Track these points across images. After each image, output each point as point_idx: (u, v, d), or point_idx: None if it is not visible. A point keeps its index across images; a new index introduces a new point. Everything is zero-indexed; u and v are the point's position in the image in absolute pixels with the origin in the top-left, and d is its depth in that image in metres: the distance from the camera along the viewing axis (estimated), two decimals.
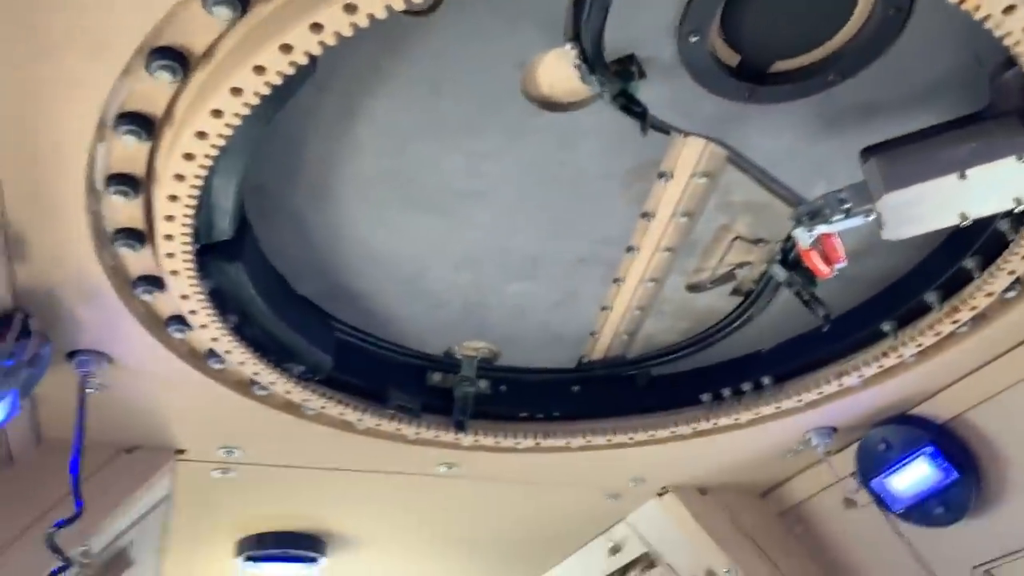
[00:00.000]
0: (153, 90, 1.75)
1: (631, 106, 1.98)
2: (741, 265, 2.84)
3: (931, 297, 2.71)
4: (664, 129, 2.23)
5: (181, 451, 3.17)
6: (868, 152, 2.10)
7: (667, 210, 2.57)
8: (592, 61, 1.92)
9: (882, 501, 3.39)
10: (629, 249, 2.74)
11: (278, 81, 1.68)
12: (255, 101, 1.71)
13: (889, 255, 2.78)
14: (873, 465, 3.37)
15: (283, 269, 2.67)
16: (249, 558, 4.14)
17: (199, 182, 1.88)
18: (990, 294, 2.54)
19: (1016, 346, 2.92)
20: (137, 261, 2.19)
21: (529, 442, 3.29)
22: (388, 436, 3.15)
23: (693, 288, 2.95)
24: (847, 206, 2.15)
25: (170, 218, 1.98)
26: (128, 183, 1.93)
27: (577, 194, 2.50)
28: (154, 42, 1.65)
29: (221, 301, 2.39)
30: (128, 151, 1.86)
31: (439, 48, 2.01)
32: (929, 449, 3.20)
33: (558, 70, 2.07)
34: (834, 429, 3.40)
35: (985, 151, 2.02)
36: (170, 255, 2.09)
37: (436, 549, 4.55)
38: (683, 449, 3.40)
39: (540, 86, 2.14)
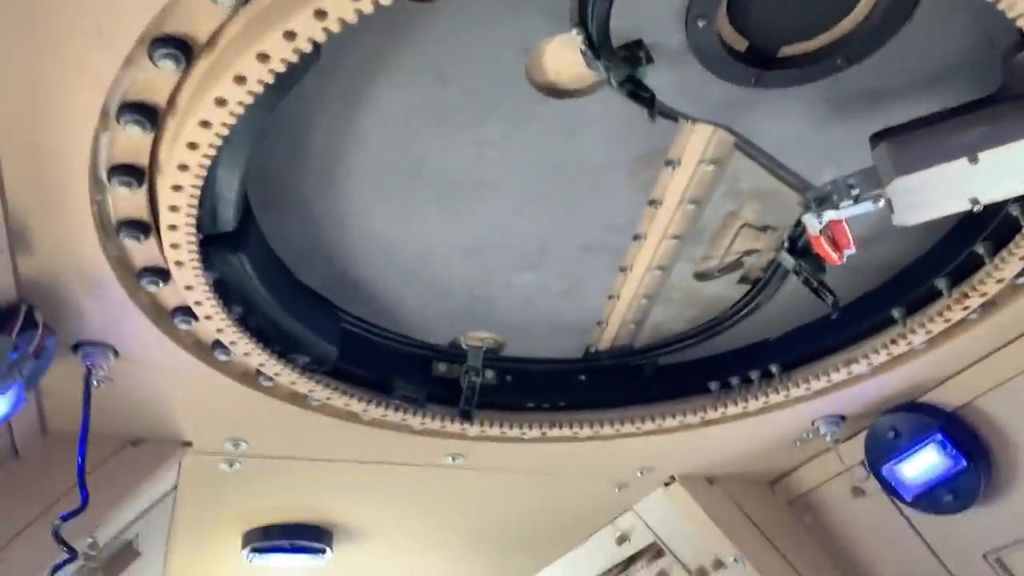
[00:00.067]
0: (156, 79, 1.73)
1: (638, 92, 1.96)
2: (749, 253, 2.82)
3: (941, 283, 2.69)
4: (671, 116, 2.20)
5: (187, 443, 3.16)
6: (878, 137, 2.07)
7: (674, 198, 2.55)
8: (598, 47, 1.91)
9: (891, 489, 3.37)
10: (636, 237, 2.72)
11: (282, 69, 1.66)
12: (259, 89, 1.69)
13: (898, 241, 2.76)
14: (882, 453, 3.35)
15: (288, 259, 2.66)
16: (255, 550, 4.13)
17: (203, 172, 1.86)
18: (1001, 280, 2.52)
19: None
20: (142, 252, 2.17)
21: (535, 432, 3.28)
22: (394, 427, 3.14)
23: (701, 276, 2.93)
24: (856, 192, 2.13)
25: (174, 208, 1.96)
26: (132, 174, 1.92)
27: (583, 182, 2.48)
28: (157, 31, 1.64)
29: (226, 292, 2.38)
30: (132, 141, 1.85)
31: (443, 35, 2.00)
32: (938, 437, 3.19)
33: (564, 56, 2.06)
34: (842, 417, 3.38)
35: (997, 135, 2.00)
36: (174, 246, 2.07)
37: (443, 540, 4.54)
38: (691, 438, 3.39)
39: (546, 73, 2.12)
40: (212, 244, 2.23)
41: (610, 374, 3.35)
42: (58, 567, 2.60)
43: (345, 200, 2.49)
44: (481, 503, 4.04)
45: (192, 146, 1.80)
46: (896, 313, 2.84)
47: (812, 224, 2.22)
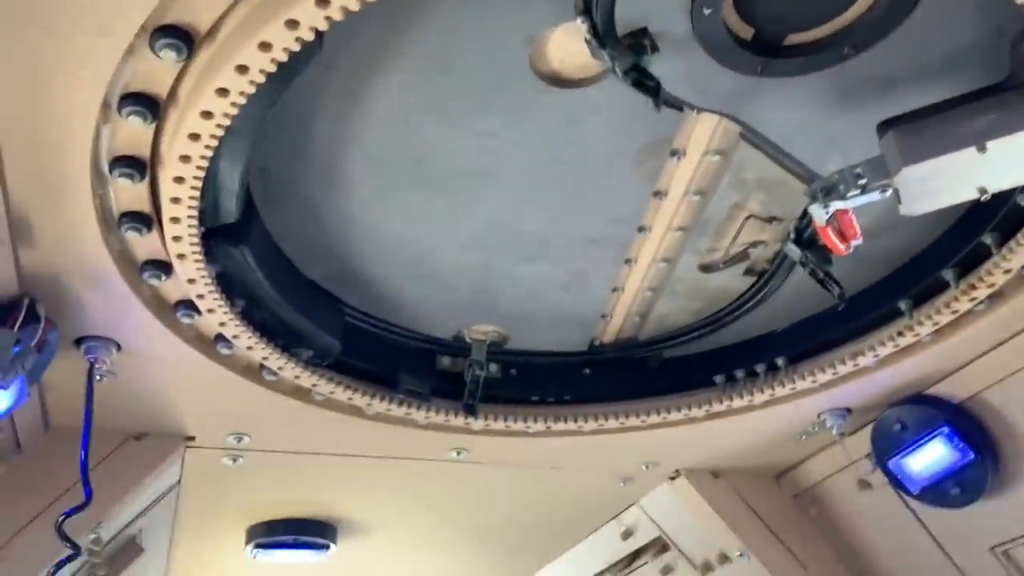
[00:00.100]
0: (157, 70, 1.72)
1: (643, 80, 1.94)
2: (754, 244, 2.80)
3: (948, 274, 2.67)
4: (677, 105, 2.18)
5: (190, 438, 3.16)
6: (885, 126, 2.05)
7: (679, 188, 2.53)
8: (603, 35, 1.88)
9: (898, 482, 3.35)
10: (641, 229, 2.70)
11: (284, 58, 1.65)
12: (261, 79, 1.68)
13: (905, 232, 2.74)
14: (888, 446, 3.33)
15: (290, 252, 2.65)
16: (259, 545, 4.12)
17: (204, 163, 1.85)
18: (1008, 271, 2.50)
19: None
20: (144, 245, 2.16)
21: (540, 426, 3.27)
22: (398, 421, 3.13)
23: (706, 268, 2.91)
24: (863, 181, 2.10)
25: (176, 200, 1.95)
26: (134, 165, 1.91)
27: (588, 173, 2.46)
28: (158, 20, 1.63)
29: (228, 285, 2.38)
30: (133, 133, 1.84)
31: (447, 24, 1.98)
32: (945, 429, 3.16)
33: (568, 45, 2.04)
34: (848, 410, 3.36)
35: (1005, 123, 1.97)
36: (176, 238, 2.06)
37: (447, 534, 4.53)
38: (696, 432, 3.38)
39: (550, 62, 2.10)
40: (214, 237, 2.23)
41: (614, 367, 3.34)
42: (61, 563, 2.58)
43: (347, 193, 2.48)
44: (485, 497, 4.03)
45: (194, 137, 1.79)
46: (903, 305, 2.82)
47: (819, 214, 2.19)
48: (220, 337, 2.53)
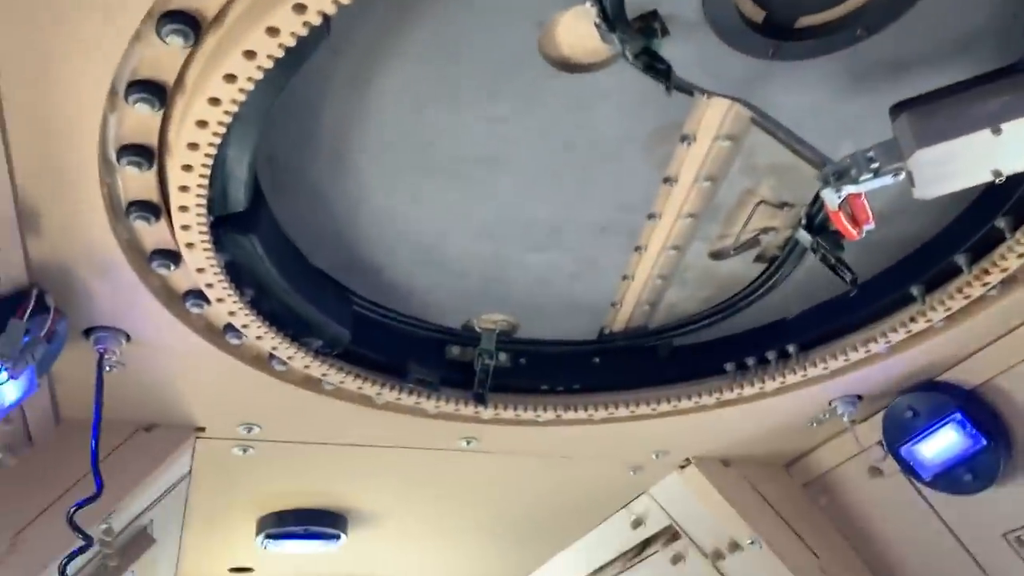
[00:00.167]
0: (164, 56, 1.71)
1: (654, 64, 1.92)
2: (765, 230, 2.78)
3: (960, 259, 2.65)
4: (687, 89, 2.16)
5: (200, 429, 3.16)
6: (898, 108, 2.03)
7: (690, 175, 2.51)
8: (613, 19, 1.86)
9: (909, 469, 3.34)
10: (651, 216, 2.68)
11: (292, 43, 1.63)
12: (268, 65, 1.67)
13: (917, 217, 2.72)
14: (900, 433, 3.31)
15: (299, 241, 2.63)
16: (270, 536, 4.13)
17: (213, 151, 1.84)
18: (1022, 255, 2.48)
19: None
20: (152, 234, 2.16)
21: (550, 415, 3.26)
22: (408, 411, 3.12)
23: (716, 255, 2.89)
24: (876, 165, 2.08)
25: (184, 189, 1.94)
26: (141, 154, 1.90)
27: (597, 159, 2.44)
28: (165, 6, 1.61)
29: (237, 275, 2.37)
30: (140, 120, 1.83)
31: (455, 9, 1.96)
32: (957, 416, 3.15)
33: (577, 29, 2.02)
34: (859, 397, 3.35)
35: (1020, 105, 1.95)
36: (185, 227, 2.05)
37: (457, 524, 4.54)
38: (706, 420, 3.36)
39: (559, 46, 2.08)
40: (223, 226, 2.21)
41: (625, 356, 3.33)
42: (74, 554, 2.59)
43: (355, 181, 2.46)
44: (495, 487, 4.03)
45: (202, 124, 1.77)
46: (915, 290, 2.80)
47: (831, 199, 2.17)
48: (229, 327, 2.53)
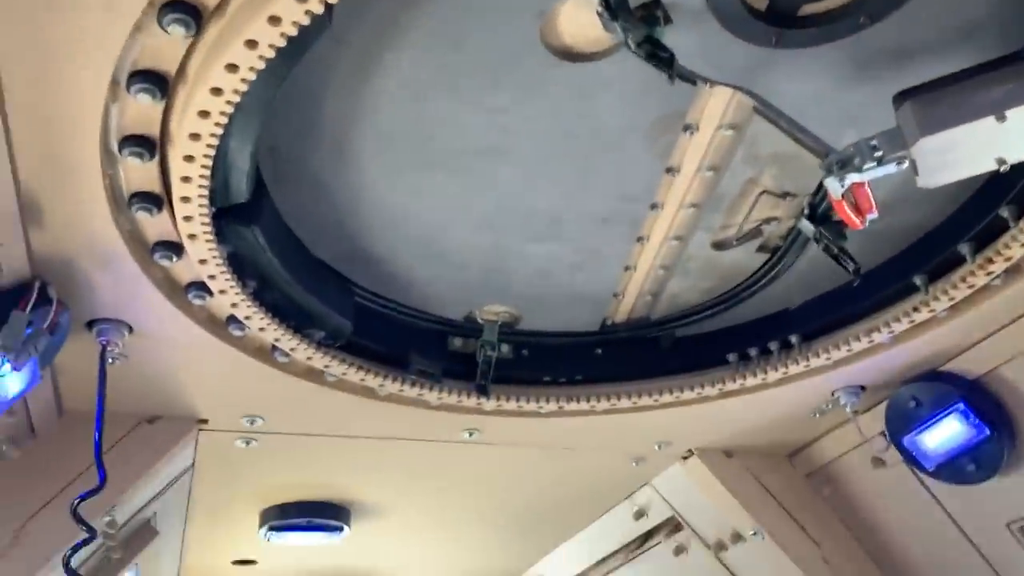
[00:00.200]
0: (166, 46, 1.70)
1: (657, 53, 1.91)
2: (768, 220, 2.78)
3: (964, 249, 2.64)
4: (690, 78, 2.15)
5: (203, 421, 3.16)
6: (902, 96, 2.02)
7: (692, 164, 2.50)
8: (615, 7, 1.85)
9: (912, 459, 3.34)
10: (653, 206, 2.68)
11: (293, 32, 1.63)
12: (270, 54, 1.66)
13: (920, 206, 2.72)
14: (903, 423, 3.31)
15: (301, 233, 2.63)
16: (273, 528, 4.14)
17: (214, 141, 1.84)
18: None
19: None
20: (154, 226, 2.15)
21: (552, 406, 3.26)
22: (410, 402, 3.12)
23: (719, 246, 2.89)
24: (879, 153, 2.07)
25: (186, 179, 1.94)
26: (143, 144, 1.89)
27: (599, 149, 2.44)
28: None
29: (240, 266, 2.36)
30: (142, 110, 1.82)
31: None
32: (960, 406, 3.14)
33: (580, 18, 2.01)
34: (862, 387, 3.34)
35: None
36: (187, 218, 2.05)
37: (460, 516, 4.54)
38: (709, 411, 3.36)
39: (561, 36, 2.07)
40: (225, 217, 2.21)
41: (627, 347, 3.32)
42: (77, 546, 2.59)
43: (357, 172, 2.46)
44: (498, 478, 4.03)
45: (204, 114, 1.77)
46: (918, 280, 2.79)
47: (834, 188, 2.16)
48: (232, 319, 2.53)
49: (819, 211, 2.59)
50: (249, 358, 2.71)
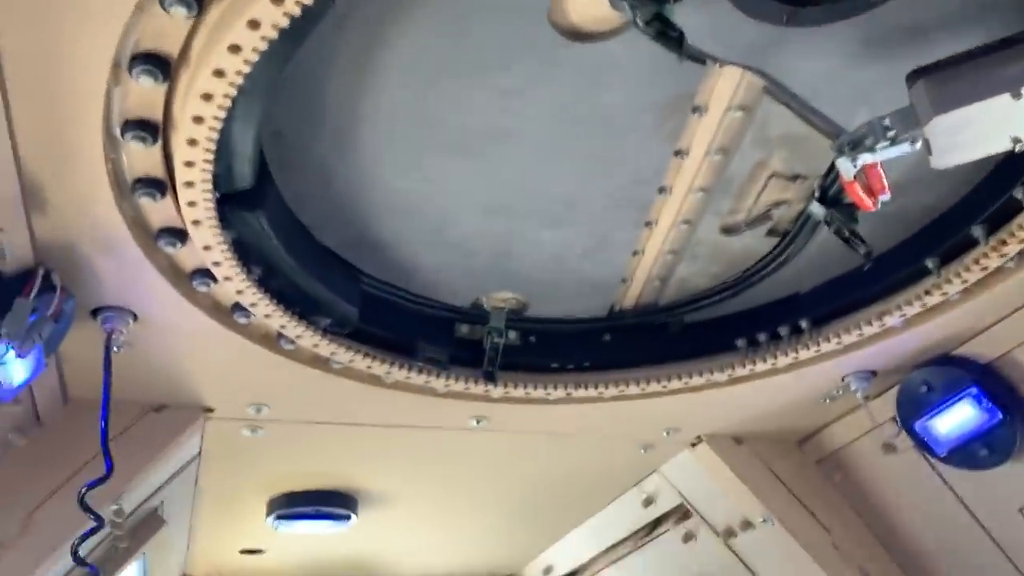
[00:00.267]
0: (168, 27, 1.68)
1: (666, 31, 1.87)
2: (778, 204, 2.75)
3: (977, 231, 2.61)
4: (699, 58, 2.12)
5: (209, 409, 3.14)
6: (915, 75, 1.98)
7: (701, 147, 2.47)
8: None
9: (924, 445, 3.32)
10: (661, 190, 2.65)
11: (297, 12, 1.60)
12: (273, 35, 1.64)
13: (932, 187, 2.68)
14: (914, 408, 3.29)
15: (306, 219, 2.61)
16: (280, 517, 4.13)
17: (218, 124, 1.81)
18: None
19: None
20: (158, 212, 2.13)
21: (560, 393, 3.24)
22: (417, 389, 3.10)
23: (728, 230, 2.86)
24: (892, 133, 2.04)
25: (189, 164, 1.91)
26: (146, 128, 1.87)
27: (607, 132, 2.41)
28: None
29: (244, 253, 2.34)
30: (144, 93, 1.80)
31: None
32: (973, 390, 3.12)
33: None
34: (873, 373, 3.32)
35: None
36: (191, 203, 2.03)
37: (468, 503, 4.53)
38: (718, 397, 3.34)
39: (568, 15, 2.04)
40: (229, 203, 2.19)
41: (635, 333, 3.30)
42: (86, 535, 2.59)
43: (363, 157, 2.43)
44: (505, 466, 4.02)
45: (207, 97, 1.74)
46: (930, 263, 2.76)
47: (846, 168, 2.13)
48: (237, 306, 2.51)
49: (830, 194, 2.58)
50: (255, 345, 2.69)
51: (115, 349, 2.49)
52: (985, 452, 3.19)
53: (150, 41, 1.70)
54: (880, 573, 3.81)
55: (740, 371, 3.19)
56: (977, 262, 2.62)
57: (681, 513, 4.36)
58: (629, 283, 3.10)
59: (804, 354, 3.09)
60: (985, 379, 3.13)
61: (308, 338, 2.67)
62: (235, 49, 1.65)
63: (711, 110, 2.35)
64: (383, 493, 4.22)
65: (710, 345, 3.24)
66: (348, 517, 4.18)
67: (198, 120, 1.80)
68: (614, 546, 4.88)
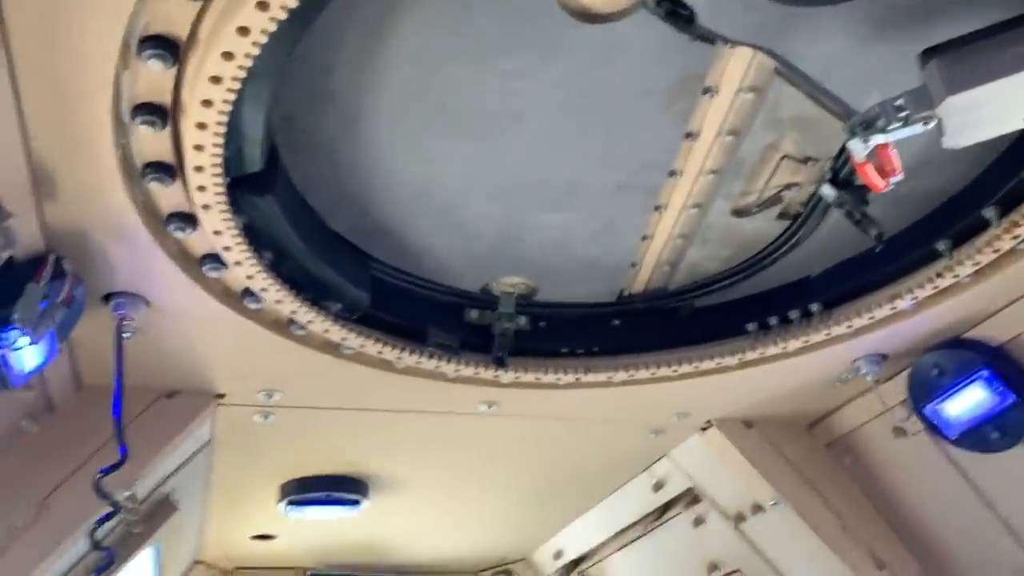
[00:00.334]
0: (176, 10, 1.67)
1: (676, 10, 1.87)
2: (788, 186, 2.73)
3: (989, 212, 2.59)
4: (709, 38, 2.11)
5: (221, 395, 3.15)
6: (927, 54, 1.96)
7: (712, 129, 2.46)
8: None
9: (935, 428, 3.31)
10: (671, 173, 2.63)
11: None
12: (282, 16, 1.63)
13: (944, 169, 2.66)
14: (925, 392, 3.27)
15: (316, 205, 2.61)
16: (292, 502, 4.15)
17: (227, 107, 1.81)
18: None
19: None
20: (168, 197, 2.13)
21: (570, 378, 3.24)
22: (428, 374, 3.11)
23: (738, 213, 2.85)
24: (905, 113, 2.03)
25: (199, 148, 1.91)
26: (155, 112, 1.87)
27: (617, 114, 2.40)
28: None
29: (255, 237, 2.35)
30: (153, 77, 1.80)
31: None
32: (985, 373, 3.10)
33: None
34: (884, 356, 3.30)
35: None
36: (201, 188, 2.03)
37: (478, 488, 4.54)
38: (728, 381, 3.34)
39: None
40: (239, 188, 2.19)
41: (645, 318, 3.30)
42: (101, 520, 2.61)
43: (371, 142, 2.43)
44: (516, 451, 4.02)
45: (215, 80, 1.74)
46: (942, 245, 2.74)
47: (857, 149, 2.11)
48: (248, 291, 2.51)
49: (841, 176, 2.56)
50: (266, 331, 2.69)
51: (127, 335, 2.51)
52: (997, 435, 3.17)
53: (159, 24, 1.70)
54: (890, 556, 3.80)
55: (750, 355, 3.19)
56: (989, 244, 2.60)
57: (691, 497, 4.36)
58: (639, 268, 3.09)
59: (815, 338, 3.08)
60: (997, 362, 3.11)
61: (319, 323, 2.67)
62: (244, 31, 1.65)
63: (722, 91, 2.33)
64: (394, 478, 4.24)
65: (720, 329, 3.24)
66: (359, 502, 4.20)
67: (207, 103, 1.80)
68: (624, 530, 4.90)
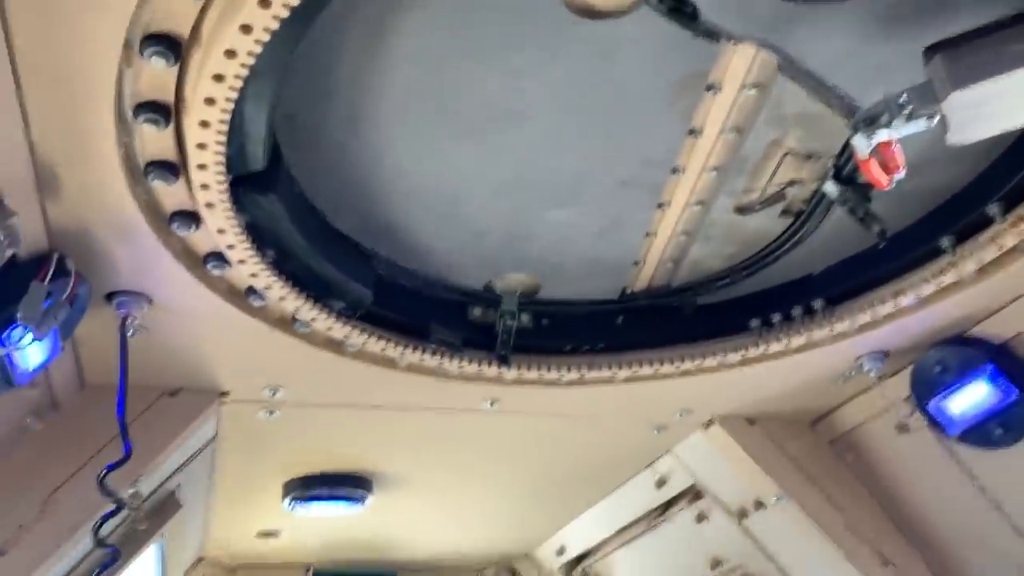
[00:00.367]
0: (178, 7, 1.67)
1: (680, 7, 1.86)
2: (792, 183, 2.73)
3: (993, 209, 2.59)
4: (713, 35, 2.10)
5: (225, 393, 3.15)
6: (932, 50, 1.96)
7: (715, 126, 2.45)
8: None
9: (938, 425, 3.30)
10: (675, 170, 2.63)
11: None
12: (284, 14, 1.63)
13: (948, 166, 2.66)
14: (928, 388, 3.27)
15: (319, 203, 2.61)
16: (296, 499, 4.15)
17: (230, 106, 1.81)
18: None
19: None
20: (171, 195, 2.13)
21: (573, 375, 3.24)
22: (431, 372, 3.11)
23: (741, 210, 2.84)
24: (909, 109, 2.02)
25: (202, 146, 1.91)
26: (158, 111, 1.87)
27: (620, 111, 2.39)
28: None
29: (258, 236, 2.35)
30: (156, 75, 1.79)
31: None
32: (988, 369, 3.10)
33: None
34: (887, 353, 3.30)
35: None
36: (204, 186, 2.03)
37: (481, 485, 4.54)
38: (731, 378, 3.34)
39: None
40: (242, 186, 2.19)
41: (648, 314, 3.30)
42: (106, 517, 2.61)
43: (373, 140, 2.43)
44: (519, 448, 4.03)
45: (218, 78, 1.74)
46: (945, 242, 2.74)
47: (861, 146, 2.11)
48: (251, 289, 2.51)
49: (844, 172, 2.55)
50: (269, 329, 2.70)
51: (130, 333, 2.51)
52: (1000, 431, 3.17)
53: (161, 22, 1.69)
54: (893, 552, 3.80)
55: (753, 352, 3.19)
56: (993, 240, 2.60)
57: (694, 494, 4.36)
58: (642, 265, 3.09)
59: (817, 334, 3.08)
60: (1000, 358, 3.11)
61: (322, 321, 2.68)
62: (246, 29, 1.65)
63: (725, 88, 2.33)
64: (397, 475, 4.24)
65: (723, 326, 3.24)
66: (363, 499, 4.21)
67: (210, 101, 1.80)
68: (627, 527, 4.89)
